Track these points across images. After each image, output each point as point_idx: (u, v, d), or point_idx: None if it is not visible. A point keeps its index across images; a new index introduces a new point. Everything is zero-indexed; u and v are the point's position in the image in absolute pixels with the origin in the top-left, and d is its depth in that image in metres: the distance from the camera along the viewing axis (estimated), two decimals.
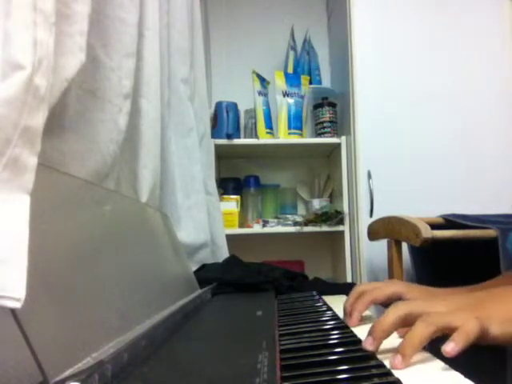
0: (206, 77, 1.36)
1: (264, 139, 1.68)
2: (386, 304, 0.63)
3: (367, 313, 0.59)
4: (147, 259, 0.64)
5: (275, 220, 1.71)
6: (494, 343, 0.40)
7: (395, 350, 0.39)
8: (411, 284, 0.62)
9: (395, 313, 0.43)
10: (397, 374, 0.35)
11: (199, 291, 0.82)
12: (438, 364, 0.39)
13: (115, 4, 0.70)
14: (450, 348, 0.37)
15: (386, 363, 0.38)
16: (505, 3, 1.63)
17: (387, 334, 0.42)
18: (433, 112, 1.59)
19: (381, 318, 0.43)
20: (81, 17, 0.52)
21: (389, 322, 0.42)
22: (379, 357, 0.39)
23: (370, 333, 0.42)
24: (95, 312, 0.41)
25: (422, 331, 0.39)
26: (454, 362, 0.38)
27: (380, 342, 0.41)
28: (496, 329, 0.40)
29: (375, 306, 0.60)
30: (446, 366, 0.38)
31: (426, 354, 0.41)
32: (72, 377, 0.29)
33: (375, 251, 1.48)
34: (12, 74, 0.32)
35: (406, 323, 0.42)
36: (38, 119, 0.34)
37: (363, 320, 0.57)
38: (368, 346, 0.41)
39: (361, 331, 0.50)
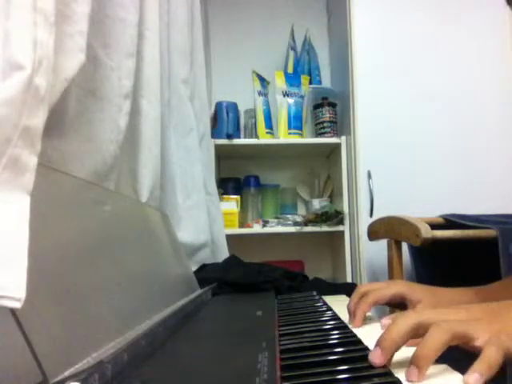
0: (206, 77, 1.36)
1: (264, 139, 1.68)
2: (389, 304, 0.63)
3: (368, 314, 0.59)
4: (147, 259, 0.64)
5: (275, 220, 1.71)
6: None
7: (407, 361, 0.35)
8: (413, 283, 0.62)
9: (406, 321, 0.38)
10: (397, 374, 0.35)
11: (199, 291, 0.82)
12: (439, 365, 0.39)
13: (115, 4, 0.70)
14: (473, 380, 0.32)
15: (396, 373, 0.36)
16: (505, 3, 1.63)
17: (397, 346, 0.37)
18: (433, 112, 1.59)
19: (390, 327, 0.38)
20: (81, 17, 0.52)
21: (399, 331, 0.38)
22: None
23: (378, 343, 0.37)
24: (95, 312, 0.41)
25: (437, 338, 0.35)
26: (455, 363, 0.37)
27: (389, 354, 0.37)
28: None
29: (377, 307, 0.60)
30: (447, 367, 0.37)
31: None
32: (72, 377, 0.29)
33: (375, 251, 1.48)
34: (12, 74, 0.32)
35: (418, 334, 0.38)
36: (38, 119, 0.34)
37: (365, 320, 0.57)
38: (375, 358, 0.36)
39: (361, 331, 0.50)
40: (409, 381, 0.34)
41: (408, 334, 0.38)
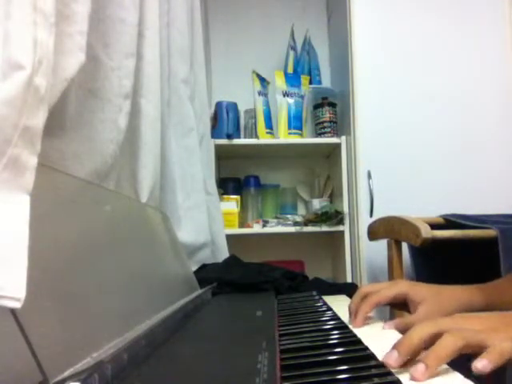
0: (206, 77, 1.36)
1: (264, 139, 1.68)
2: (390, 304, 0.63)
3: (369, 314, 0.59)
4: (147, 259, 0.64)
5: (275, 220, 1.71)
6: None
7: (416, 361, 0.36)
8: (415, 283, 0.62)
9: (425, 329, 0.39)
10: (397, 374, 0.35)
11: (199, 291, 0.82)
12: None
13: (115, 4, 0.70)
14: (481, 365, 0.34)
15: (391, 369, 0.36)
16: (505, 4, 1.63)
17: (414, 351, 0.38)
18: (433, 112, 1.59)
19: (409, 332, 0.39)
20: (81, 17, 0.52)
21: (417, 337, 0.39)
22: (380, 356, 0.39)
23: (396, 347, 0.38)
24: (95, 312, 0.41)
25: (450, 343, 0.36)
26: (454, 363, 0.37)
27: (405, 358, 0.38)
28: None
29: (378, 308, 0.60)
30: (447, 367, 0.37)
31: None
32: (72, 377, 0.29)
33: (375, 251, 1.48)
34: (12, 73, 0.32)
35: (434, 342, 0.38)
36: (38, 119, 0.34)
37: (366, 320, 0.57)
38: (392, 361, 0.37)
39: (361, 331, 0.50)
40: (413, 377, 0.34)
41: (426, 342, 0.38)
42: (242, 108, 1.80)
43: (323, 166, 1.95)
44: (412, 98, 1.59)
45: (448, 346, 0.36)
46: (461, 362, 0.37)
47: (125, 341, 0.38)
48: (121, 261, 0.53)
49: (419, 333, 0.39)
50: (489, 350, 0.35)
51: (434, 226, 1.17)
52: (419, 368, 0.35)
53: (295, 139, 1.71)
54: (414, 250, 1.36)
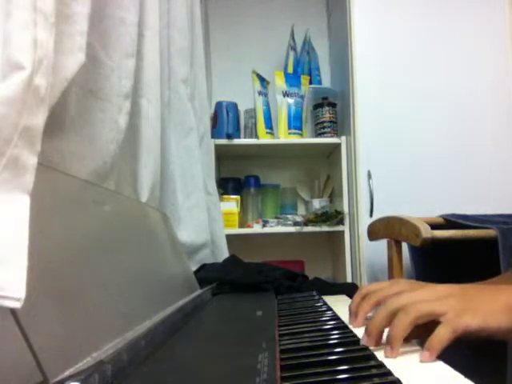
0: (206, 77, 1.36)
1: (264, 139, 1.68)
2: None
3: (370, 314, 0.59)
4: (147, 259, 0.64)
5: (275, 220, 1.71)
6: (478, 337, 0.42)
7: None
8: (416, 282, 0.62)
9: (384, 311, 0.46)
10: (397, 374, 0.35)
11: (199, 291, 0.82)
12: (439, 365, 0.39)
13: (115, 4, 0.70)
14: (424, 358, 0.40)
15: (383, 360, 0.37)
16: (505, 4, 1.63)
17: (379, 330, 0.45)
18: (433, 112, 1.59)
19: (372, 318, 0.47)
20: (81, 17, 0.52)
21: (379, 319, 0.46)
22: (378, 355, 0.39)
23: (365, 331, 0.46)
24: (95, 312, 0.41)
25: (402, 321, 0.43)
26: (454, 363, 0.38)
27: (375, 337, 0.45)
28: (476, 322, 0.42)
29: (378, 307, 0.60)
30: (447, 367, 0.38)
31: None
32: (72, 377, 0.29)
33: (375, 251, 1.48)
34: (12, 73, 0.32)
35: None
36: (38, 119, 0.34)
37: (366, 321, 0.57)
38: (366, 342, 0.45)
39: (361, 331, 0.50)
40: (385, 357, 0.42)
41: (386, 320, 0.46)
42: (242, 108, 1.80)
43: (323, 166, 1.95)
44: (412, 98, 1.59)
45: (401, 324, 0.43)
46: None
47: (125, 341, 0.38)
48: (121, 261, 0.53)
49: (380, 316, 0.46)
50: (428, 341, 0.41)
51: (434, 226, 1.17)
52: (387, 349, 0.43)
53: (295, 139, 1.71)
54: (413, 250, 1.36)
